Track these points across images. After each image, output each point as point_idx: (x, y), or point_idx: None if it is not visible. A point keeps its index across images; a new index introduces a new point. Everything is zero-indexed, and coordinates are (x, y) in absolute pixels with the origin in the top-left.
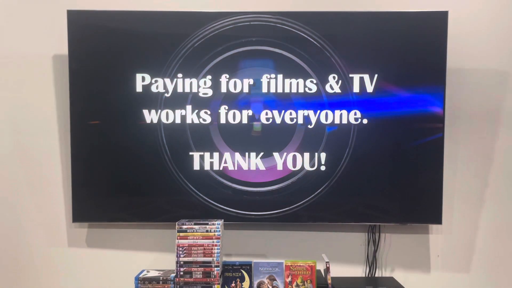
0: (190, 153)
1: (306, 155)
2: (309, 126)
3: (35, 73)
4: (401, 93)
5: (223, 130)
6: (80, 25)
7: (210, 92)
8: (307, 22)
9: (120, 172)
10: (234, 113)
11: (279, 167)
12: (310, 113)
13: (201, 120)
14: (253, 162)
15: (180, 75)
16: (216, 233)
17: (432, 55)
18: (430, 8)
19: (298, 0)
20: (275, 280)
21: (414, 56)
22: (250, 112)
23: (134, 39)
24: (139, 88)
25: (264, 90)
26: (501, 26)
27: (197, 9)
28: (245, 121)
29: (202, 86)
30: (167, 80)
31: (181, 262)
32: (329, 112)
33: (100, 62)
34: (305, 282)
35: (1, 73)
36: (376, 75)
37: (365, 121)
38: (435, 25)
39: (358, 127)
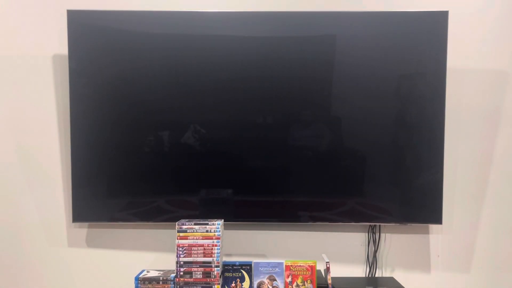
0: (190, 152)
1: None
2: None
3: (35, 73)
4: (401, 93)
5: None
6: (80, 25)
7: None
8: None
9: (120, 172)
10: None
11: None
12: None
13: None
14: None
15: None
16: (216, 233)
17: (432, 55)
18: (430, 8)
19: (298, 0)
20: (275, 280)
21: (414, 56)
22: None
23: (134, 39)
24: (139, 88)
25: None
26: (501, 26)
27: (197, 9)
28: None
29: None
30: None
31: (181, 262)
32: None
33: (100, 62)
34: (305, 282)
35: (1, 73)
36: (376, 75)
37: (364, 120)
38: (435, 25)
39: (358, 126)
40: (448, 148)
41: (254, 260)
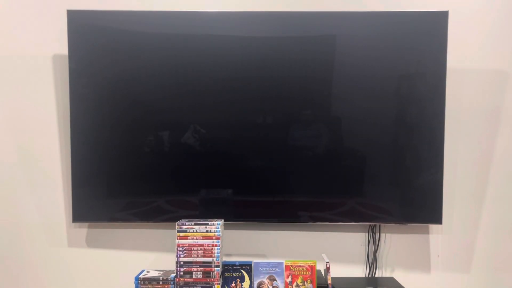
0: (190, 152)
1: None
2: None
3: (35, 73)
4: (401, 93)
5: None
6: (80, 25)
7: None
8: (307, 22)
9: (120, 172)
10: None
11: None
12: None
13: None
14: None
15: None
16: (216, 233)
17: (432, 55)
18: (430, 8)
19: (299, 0)
20: (275, 280)
21: (414, 56)
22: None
23: (134, 39)
24: (139, 88)
25: None
26: (501, 26)
27: (197, 9)
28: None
29: None
30: None
31: (181, 262)
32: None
33: (100, 62)
34: (305, 282)
35: (1, 73)
36: (376, 75)
37: (364, 120)
38: (435, 25)
39: (358, 126)
40: (448, 148)
41: (254, 260)
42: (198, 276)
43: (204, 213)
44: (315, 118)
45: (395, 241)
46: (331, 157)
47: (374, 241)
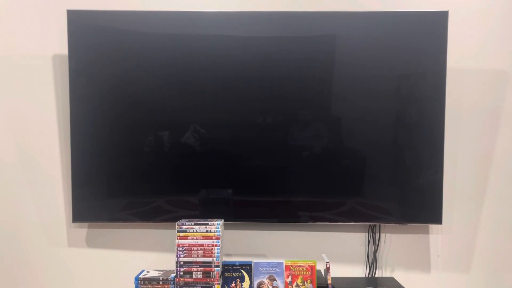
0: (190, 152)
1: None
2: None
3: (35, 73)
4: (401, 93)
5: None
6: (80, 25)
7: None
8: (307, 22)
9: (120, 172)
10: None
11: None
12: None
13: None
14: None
15: None
16: (216, 233)
17: (432, 55)
18: (430, 8)
19: (299, 0)
20: (275, 280)
21: (414, 56)
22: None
23: (134, 39)
24: (139, 88)
25: None
26: (501, 26)
27: (197, 9)
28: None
29: None
30: None
31: (181, 262)
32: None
33: (100, 62)
34: (305, 282)
35: (1, 73)
36: (376, 75)
37: (364, 120)
38: (435, 25)
39: (358, 126)
40: (448, 148)
41: (254, 260)
42: (198, 276)
43: (204, 213)
44: (315, 118)
45: (395, 241)
46: (331, 157)
47: (374, 241)
